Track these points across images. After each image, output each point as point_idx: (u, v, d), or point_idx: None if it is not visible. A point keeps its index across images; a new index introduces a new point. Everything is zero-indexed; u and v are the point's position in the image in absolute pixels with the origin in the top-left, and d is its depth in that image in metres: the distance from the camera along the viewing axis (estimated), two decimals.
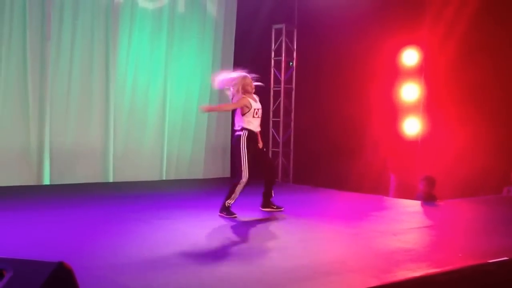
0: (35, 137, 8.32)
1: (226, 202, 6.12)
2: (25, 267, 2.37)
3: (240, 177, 6.07)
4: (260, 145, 6.33)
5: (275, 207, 6.55)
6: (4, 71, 8.01)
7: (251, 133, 6.14)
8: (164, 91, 9.50)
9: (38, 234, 5.12)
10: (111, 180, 8.97)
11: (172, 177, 9.65)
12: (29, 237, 4.98)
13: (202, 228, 5.57)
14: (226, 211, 6.11)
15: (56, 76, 8.47)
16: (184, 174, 9.82)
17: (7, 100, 8.08)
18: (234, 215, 6.09)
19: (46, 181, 8.38)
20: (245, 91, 6.12)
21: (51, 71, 8.38)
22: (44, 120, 8.34)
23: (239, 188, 6.10)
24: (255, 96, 6.25)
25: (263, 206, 6.55)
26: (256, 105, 6.18)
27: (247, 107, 6.10)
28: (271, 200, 6.56)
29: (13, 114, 8.16)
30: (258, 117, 6.20)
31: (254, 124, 6.16)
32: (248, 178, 6.07)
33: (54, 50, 8.42)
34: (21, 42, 8.13)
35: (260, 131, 6.32)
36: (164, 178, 9.54)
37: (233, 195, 6.11)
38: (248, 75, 6.21)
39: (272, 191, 6.56)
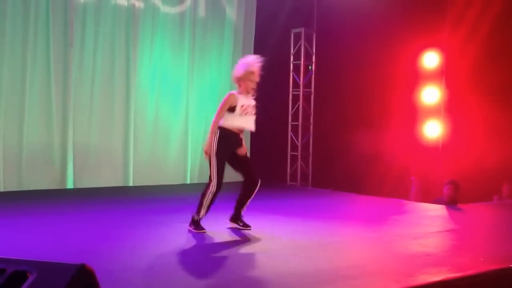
0: (59, 142, 8.45)
1: (195, 216, 5.32)
2: (48, 269, 2.41)
3: (208, 185, 5.21)
4: (242, 150, 5.38)
5: (241, 224, 5.52)
6: (29, 77, 8.15)
7: (226, 132, 5.21)
8: (187, 94, 9.57)
9: (61, 236, 5.19)
10: (133, 184, 9.06)
11: (194, 181, 9.69)
12: (52, 239, 5.06)
13: (221, 232, 5.58)
14: (194, 224, 5.33)
15: (79, 82, 8.60)
16: (205, 178, 9.82)
17: (32, 106, 8.22)
18: (203, 230, 5.30)
19: (70, 185, 8.49)
20: (252, 81, 5.26)
21: (74, 77, 8.51)
22: (67, 125, 8.46)
23: (207, 198, 5.22)
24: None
25: (231, 219, 5.56)
26: (245, 100, 5.24)
27: (232, 105, 5.20)
28: (241, 214, 5.52)
29: (37, 119, 8.30)
30: (245, 115, 5.24)
31: (236, 121, 5.23)
32: (219, 185, 5.21)
33: (77, 56, 8.55)
34: (45, 48, 8.28)
35: (242, 133, 5.39)
36: (188, 182, 9.59)
37: (202, 208, 5.25)
38: (256, 62, 5.29)
39: (245, 204, 5.47)
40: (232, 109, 5.22)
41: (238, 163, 5.41)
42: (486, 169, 8.15)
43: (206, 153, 5.26)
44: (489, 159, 8.20)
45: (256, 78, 5.29)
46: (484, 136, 8.32)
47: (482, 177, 8.12)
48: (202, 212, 5.30)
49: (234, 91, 5.34)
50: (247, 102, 5.28)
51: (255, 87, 5.31)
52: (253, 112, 5.33)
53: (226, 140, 5.24)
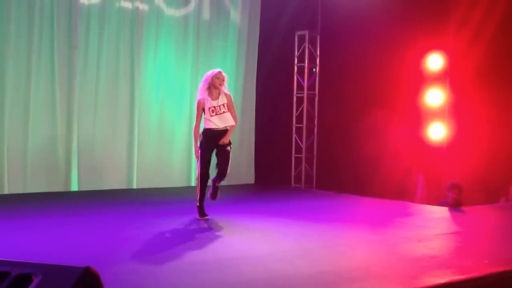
0: (63, 144, 8.47)
1: (196, 203, 6.36)
2: (53, 272, 2.42)
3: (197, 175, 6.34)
4: (223, 141, 6.18)
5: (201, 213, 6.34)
6: (33, 80, 8.19)
7: (206, 131, 6.18)
8: (191, 96, 9.56)
9: (66, 239, 5.21)
10: (137, 187, 9.07)
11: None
12: (57, 242, 5.08)
13: (225, 234, 5.60)
14: (198, 212, 6.36)
15: (83, 84, 8.63)
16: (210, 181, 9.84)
17: (36, 108, 8.25)
18: (205, 217, 6.30)
19: (74, 187, 8.52)
20: (214, 86, 6.14)
21: (79, 79, 8.54)
22: (72, 128, 8.49)
23: (197, 184, 6.29)
24: (224, 90, 6.20)
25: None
26: (212, 102, 6.13)
27: (202, 108, 6.15)
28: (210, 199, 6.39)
29: (42, 122, 8.33)
30: (215, 114, 6.12)
31: (211, 122, 6.14)
32: (203, 174, 6.21)
33: (81, 58, 8.58)
34: (50, 51, 8.31)
35: (225, 128, 6.20)
36: (193, 185, 9.59)
37: (197, 194, 6.31)
38: (215, 70, 6.22)
39: (215, 192, 6.37)
40: (203, 112, 6.17)
41: (218, 155, 6.25)
42: (492, 171, 8.13)
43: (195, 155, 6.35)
44: (494, 161, 8.18)
45: (218, 75, 6.16)
46: (490, 138, 8.30)
47: (488, 179, 8.10)
48: (198, 197, 6.29)
49: (200, 97, 6.21)
50: (215, 103, 6.14)
51: (222, 83, 6.16)
52: (223, 110, 6.15)
53: (207, 139, 6.18)
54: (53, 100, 8.38)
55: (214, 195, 6.44)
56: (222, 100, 6.15)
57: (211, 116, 6.11)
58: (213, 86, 6.13)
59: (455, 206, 7.58)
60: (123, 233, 5.56)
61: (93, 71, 8.73)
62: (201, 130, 6.30)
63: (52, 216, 6.45)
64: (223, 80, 6.15)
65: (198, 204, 6.35)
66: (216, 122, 6.14)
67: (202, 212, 6.35)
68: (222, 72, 6.20)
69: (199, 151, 6.23)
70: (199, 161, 6.25)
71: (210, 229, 5.89)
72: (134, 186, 9.08)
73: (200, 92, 6.21)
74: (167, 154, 9.48)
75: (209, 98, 6.13)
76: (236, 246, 5.15)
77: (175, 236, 5.47)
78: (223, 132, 6.19)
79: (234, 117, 6.25)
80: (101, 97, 8.83)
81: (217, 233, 5.64)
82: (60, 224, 5.93)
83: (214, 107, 6.11)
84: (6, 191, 7.93)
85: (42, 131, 8.33)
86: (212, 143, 6.19)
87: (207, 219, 6.28)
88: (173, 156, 9.53)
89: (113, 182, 8.91)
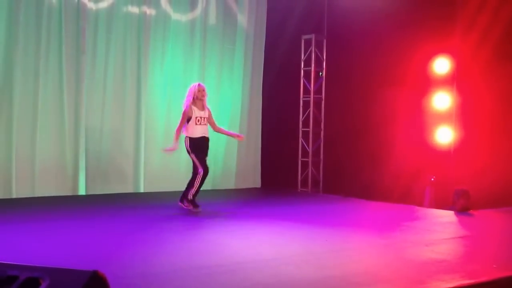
0: (71, 149, 8.50)
1: (189, 193, 7.00)
2: (61, 276, 2.43)
3: (196, 171, 6.98)
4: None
5: (186, 204, 7.07)
6: (41, 84, 8.22)
7: (192, 139, 6.98)
8: None
9: (74, 243, 5.22)
10: (144, 191, 9.09)
11: (207, 187, 9.69)
12: (64, 246, 5.09)
13: (232, 238, 5.60)
14: (191, 203, 7.02)
15: (91, 88, 8.66)
16: (217, 185, 9.86)
17: (44, 112, 8.28)
18: (198, 208, 6.97)
19: (82, 191, 8.54)
20: (198, 98, 6.96)
21: (86, 83, 8.57)
22: (79, 132, 8.52)
23: (198, 180, 6.96)
24: (206, 104, 7.09)
25: (180, 200, 7.16)
26: (199, 113, 6.97)
27: (189, 116, 6.95)
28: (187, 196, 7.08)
29: (50, 126, 8.36)
30: (200, 124, 6.97)
31: (196, 130, 6.96)
32: (205, 170, 6.96)
33: (89, 63, 8.62)
34: (58, 56, 8.36)
35: (207, 136, 7.10)
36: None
37: (193, 189, 6.98)
38: (197, 83, 7.10)
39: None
40: (189, 119, 6.93)
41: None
42: (500, 174, 8.09)
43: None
44: (503, 164, 8.13)
45: (199, 88, 7.00)
46: (497, 141, 8.26)
47: (496, 182, 8.05)
48: (194, 193, 6.99)
49: (187, 107, 6.98)
50: (200, 114, 6.98)
51: (204, 93, 7.00)
52: (205, 122, 7.03)
53: (196, 142, 6.98)
54: (61, 104, 8.42)
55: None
56: (205, 113, 7.05)
57: (196, 124, 6.94)
58: (197, 97, 6.94)
59: (462, 211, 7.54)
60: (130, 237, 5.57)
61: (100, 75, 8.77)
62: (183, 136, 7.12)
63: (59, 220, 6.47)
64: (204, 90, 6.99)
65: (192, 197, 7.00)
66: (202, 131, 7.00)
67: (195, 204, 7.03)
68: (202, 84, 7.08)
69: (192, 153, 6.99)
70: (198, 161, 6.96)
71: (216, 233, 5.89)
72: (142, 190, 9.10)
73: (186, 103, 6.97)
74: (174, 158, 9.46)
75: (196, 109, 6.95)
76: (242, 250, 5.15)
77: (181, 240, 5.47)
78: (207, 139, 7.10)
79: (216, 126, 7.27)
80: (108, 101, 8.86)
81: (223, 237, 5.64)
82: (67, 228, 5.95)
83: (201, 117, 6.99)
84: (14, 195, 7.97)
85: (50, 135, 8.37)
86: (202, 146, 7.03)
87: (199, 208, 6.99)
88: (180, 160, 9.52)
89: (120, 186, 8.93)
